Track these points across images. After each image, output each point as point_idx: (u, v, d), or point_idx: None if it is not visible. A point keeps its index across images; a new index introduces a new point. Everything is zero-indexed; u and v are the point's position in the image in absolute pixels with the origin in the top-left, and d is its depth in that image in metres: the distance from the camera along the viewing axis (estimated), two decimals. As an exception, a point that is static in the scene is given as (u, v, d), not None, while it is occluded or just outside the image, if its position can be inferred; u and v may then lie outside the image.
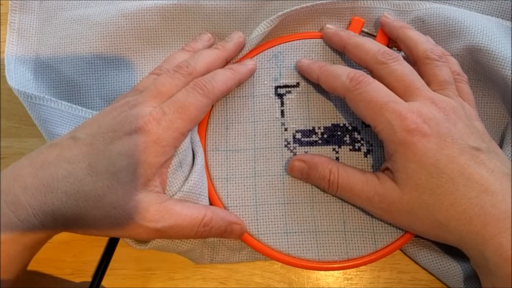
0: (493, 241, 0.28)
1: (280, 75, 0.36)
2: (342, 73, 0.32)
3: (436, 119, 0.30)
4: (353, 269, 0.36)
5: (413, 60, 0.34)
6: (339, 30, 0.36)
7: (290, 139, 0.35)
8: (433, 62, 0.33)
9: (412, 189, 0.30)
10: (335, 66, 0.34)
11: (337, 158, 0.35)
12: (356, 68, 0.33)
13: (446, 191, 0.29)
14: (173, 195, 0.31)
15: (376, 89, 0.31)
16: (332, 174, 0.32)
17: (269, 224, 0.34)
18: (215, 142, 0.35)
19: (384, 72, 0.32)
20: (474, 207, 0.29)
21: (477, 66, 0.36)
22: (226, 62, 0.36)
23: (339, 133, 0.35)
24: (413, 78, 0.32)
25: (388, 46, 0.36)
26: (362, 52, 0.33)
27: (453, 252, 0.34)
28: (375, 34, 0.37)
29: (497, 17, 0.38)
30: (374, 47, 0.33)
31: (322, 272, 0.36)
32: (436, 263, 0.34)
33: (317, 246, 0.34)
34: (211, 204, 0.35)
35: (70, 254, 0.37)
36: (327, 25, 0.37)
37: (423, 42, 0.34)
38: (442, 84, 0.32)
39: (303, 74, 0.36)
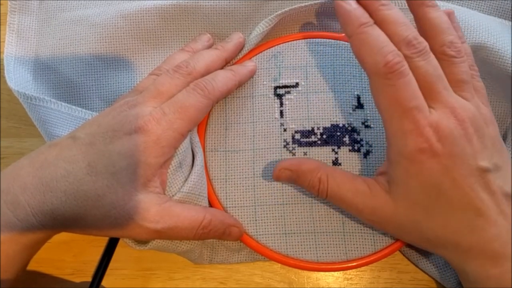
0: (476, 260, 0.29)
1: (279, 76, 0.36)
2: (380, 49, 0.28)
3: (453, 136, 0.28)
4: (353, 269, 0.36)
5: (430, 48, 0.30)
6: None
7: (289, 139, 0.35)
8: (450, 59, 0.30)
9: (407, 207, 0.29)
10: (377, 34, 0.29)
11: (337, 159, 0.35)
12: None
13: (440, 212, 0.29)
14: (173, 195, 0.31)
15: (406, 87, 0.28)
16: (322, 183, 0.31)
17: (267, 225, 0.34)
18: (214, 143, 0.35)
19: (409, 65, 0.29)
20: (465, 229, 0.29)
21: (482, 64, 0.36)
22: (226, 63, 0.36)
23: (338, 133, 0.35)
24: (435, 79, 0.29)
25: None
26: (389, 32, 0.29)
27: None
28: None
29: (498, 17, 0.38)
30: (401, 31, 0.29)
31: (322, 272, 0.36)
32: (433, 265, 0.34)
33: (316, 247, 0.34)
34: (210, 205, 0.35)
35: (70, 254, 0.37)
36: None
37: (442, 32, 0.30)
38: (460, 85, 0.30)
39: (337, 17, 0.30)
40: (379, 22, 0.30)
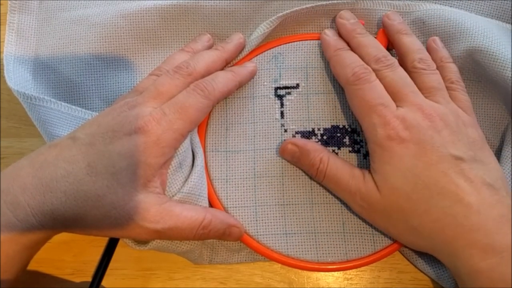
0: (464, 252, 0.29)
1: (280, 76, 0.36)
2: (350, 64, 0.33)
3: (419, 126, 0.30)
4: (353, 269, 0.36)
5: (404, 67, 0.34)
6: (346, 23, 0.36)
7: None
8: (419, 71, 0.33)
9: (389, 192, 0.30)
10: (348, 55, 0.34)
11: (337, 160, 0.35)
12: None
13: (421, 198, 0.30)
14: (173, 196, 0.31)
15: (372, 90, 0.32)
16: (322, 163, 0.33)
17: (268, 225, 0.34)
18: (215, 143, 0.35)
19: (378, 76, 0.33)
20: (447, 217, 0.29)
21: (478, 68, 0.36)
22: (226, 63, 0.36)
23: (338, 134, 0.35)
24: (402, 84, 0.32)
25: (388, 48, 0.36)
26: (362, 53, 0.34)
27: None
28: (374, 36, 0.37)
29: (497, 18, 0.38)
30: (371, 51, 0.34)
31: (322, 272, 0.36)
32: (432, 265, 0.35)
33: (316, 247, 0.34)
34: (210, 205, 0.35)
35: (70, 254, 0.37)
36: (327, 30, 0.37)
37: (413, 51, 0.34)
38: (430, 91, 0.33)
39: (322, 45, 0.36)
40: (355, 47, 0.35)
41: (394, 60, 0.33)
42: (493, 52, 0.34)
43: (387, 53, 0.34)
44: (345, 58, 0.34)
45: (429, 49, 0.36)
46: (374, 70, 0.33)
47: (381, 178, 0.31)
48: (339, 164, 0.33)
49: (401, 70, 0.33)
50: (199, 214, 0.31)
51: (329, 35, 0.36)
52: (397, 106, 0.32)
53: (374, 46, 0.34)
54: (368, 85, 0.32)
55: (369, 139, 0.32)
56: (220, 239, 0.33)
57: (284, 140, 0.35)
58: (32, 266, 0.35)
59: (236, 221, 0.34)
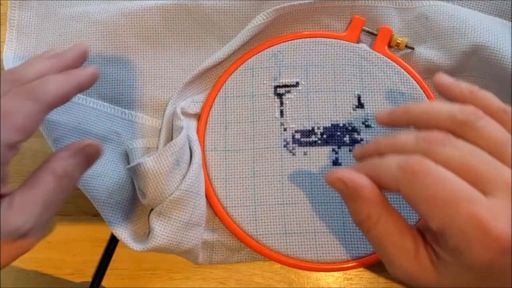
0: None
1: (279, 75, 0.36)
2: (391, 163, 0.25)
3: None
4: (353, 269, 0.36)
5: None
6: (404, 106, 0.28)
7: (289, 139, 0.35)
8: (471, 125, 0.25)
9: (452, 284, 0.25)
10: (383, 159, 0.26)
11: (337, 159, 0.35)
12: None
13: None
14: (171, 194, 0.31)
15: (440, 181, 0.23)
16: (369, 221, 0.26)
17: (268, 225, 0.34)
18: (214, 142, 0.35)
19: (467, 135, 0.25)
20: None
21: (482, 64, 0.36)
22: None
23: (338, 133, 0.35)
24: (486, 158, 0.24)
25: (389, 45, 0.36)
26: (432, 116, 0.26)
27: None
28: (375, 33, 0.37)
29: (498, 17, 0.38)
30: (445, 107, 0.26)
31: (322, 272, 0.36)
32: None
33: (316, 247, 0.34)
34: (209, 204, 0.35)
35: (70, 254, 0.37)
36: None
37: (447, 111, 0.26)
38: (500, 152, 0.24)
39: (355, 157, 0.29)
40: (419, 114, 0.27)
41: (480, 111, 0.25)
42: (498, 49, 0.34)
43: (469, 106, 0.26)
44: (383, 161, 0.25)
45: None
46: (461, 124, 0.25)
47: (450, 276, 0.24)
48: (390, 228, 0.25)
49: (493, 121, 0.25)
50: None
51: (357, 151, 0.28)
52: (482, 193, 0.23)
53: (442, 103, 0.26)
54: (430, 177, 0.23)
55: (457, 250, 0.23)
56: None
57: (330, 170, 0.27)
58: (32, 266, 0.35)
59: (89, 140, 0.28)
